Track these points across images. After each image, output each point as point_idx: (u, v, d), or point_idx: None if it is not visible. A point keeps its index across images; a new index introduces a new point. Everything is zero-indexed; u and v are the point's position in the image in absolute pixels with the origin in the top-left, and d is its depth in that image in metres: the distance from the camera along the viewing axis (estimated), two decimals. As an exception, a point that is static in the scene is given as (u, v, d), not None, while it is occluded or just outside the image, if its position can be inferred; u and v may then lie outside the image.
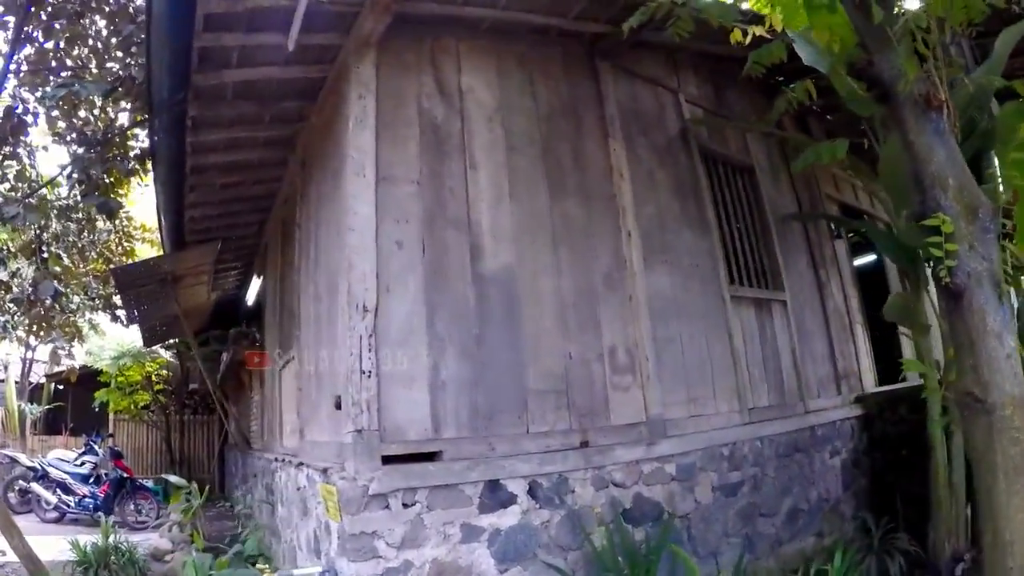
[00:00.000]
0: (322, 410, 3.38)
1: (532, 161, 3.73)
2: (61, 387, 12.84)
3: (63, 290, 4.35)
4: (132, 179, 4.68)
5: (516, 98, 3.78)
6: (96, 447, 8.80)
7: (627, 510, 3.45)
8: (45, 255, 4.79)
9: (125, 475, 8.09)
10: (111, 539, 5.04)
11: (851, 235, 6.04)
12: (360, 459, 2.73)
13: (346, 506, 2.67)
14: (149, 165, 4.63)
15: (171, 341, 9.83)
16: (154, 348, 10.15)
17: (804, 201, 5.60)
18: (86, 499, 8.04)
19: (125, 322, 7.71)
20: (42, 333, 5.62)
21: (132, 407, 10.82)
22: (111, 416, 11.35)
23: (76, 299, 7.21)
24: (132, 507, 7.99)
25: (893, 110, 3.26)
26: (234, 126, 4.19)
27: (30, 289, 4.57)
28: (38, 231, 4.81)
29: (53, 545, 5.50)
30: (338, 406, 2.93)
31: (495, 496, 3.01)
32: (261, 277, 7.32)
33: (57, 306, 4.56)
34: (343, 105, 3.24)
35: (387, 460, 2.78)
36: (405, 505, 2.76)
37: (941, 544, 4.18)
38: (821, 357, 5.13)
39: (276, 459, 4.54)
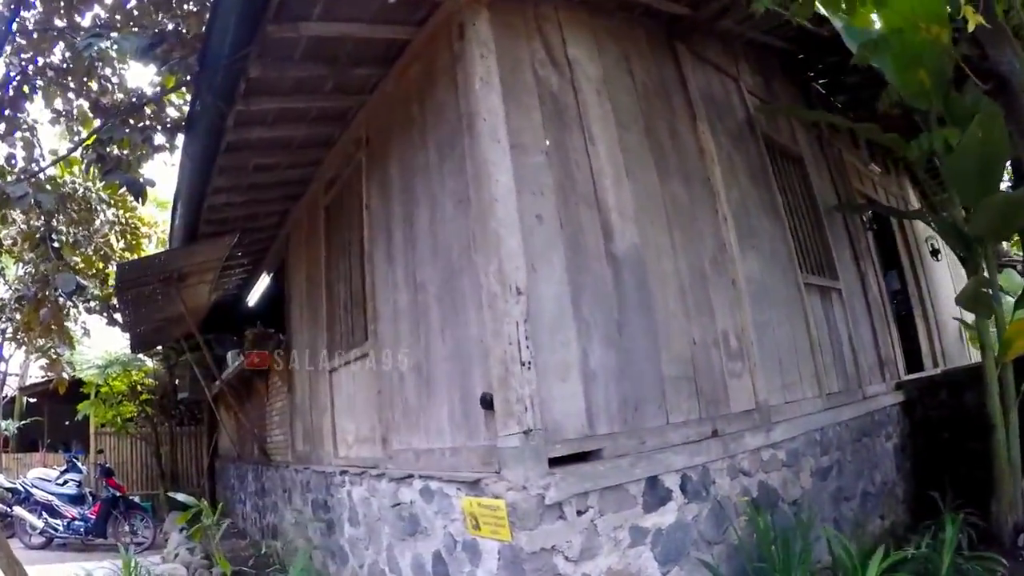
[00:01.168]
0: (435, 412, 2.84)
1: (639, 139, 3.40)
2: (34, 400, 11.10)
3: (85, 283, 3.52)
4: (158, 156, 3.87)
5: (615, 73, 3.44)
6: (79, 463, 7.63)
7: (754, 499, 3.18)
8: (56, 244, 3.88)
9: (118, 493, 7.01)
10: (133, 567, 4.19)
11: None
12: (528, 464, 2.25)
13: (521, 520, 2.20)
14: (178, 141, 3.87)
15: (157, 348, 8.66)
16: (138, 356, 8.92)
17: (841, 193, 5.60)
18: (76, 522, 6.95)
19: (123, 326, 6.64)
20: (42, 339, 4.60)
21: (117, 419, 9.42)
22: (92, 430, 9.89)
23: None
24: (127, 528, 6.94)
25: (1009, 101, 3.23)
26: (292, 94, 3.55)
27: (34, 287, 3.67)
28: (47, 216, 3.89)
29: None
30: (487, 405, 2.44)
31: (655, 494, 2.64)
32: (271, 275, 6.52)
33: (71, 303, 3.68)
34: (463, 64, 2.73)
35: (552, 463, 2.34)
36: (579, 512, 2.31)
37: (1004, 517, 4.19)
38: (868, 345, 5.10)
39: (337, 472, 3.89)
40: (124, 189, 3.47)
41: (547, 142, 2.82)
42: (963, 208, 4.44)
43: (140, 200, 3.46)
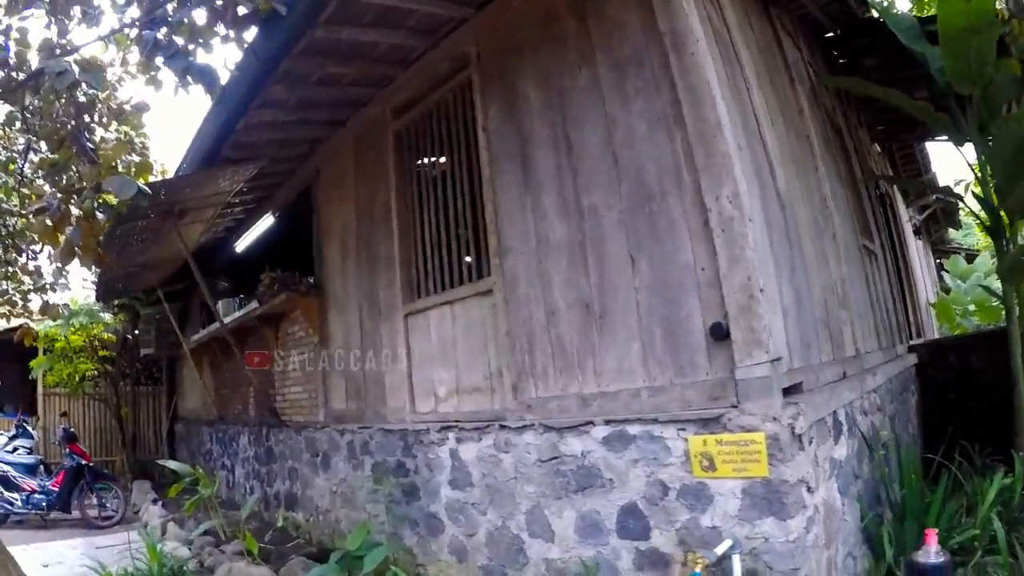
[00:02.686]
0: (614, 351, 2.52)
1: (767, 89, 3.28)
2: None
3: (142, 187, 2.68)
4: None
5: (743, 24, 3.28)
6: (29, 427, 6.28)
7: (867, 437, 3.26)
8: (90, 143, 2.95)
9: (83, 462, 5.91)
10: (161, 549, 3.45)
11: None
12: (774, 395, 2.09)
13: (779, 452, 2.02)
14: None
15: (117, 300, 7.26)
16: (101, 308, 7.46)
17: (858, 166, 5.91)
18: (35, 495, 5.81)
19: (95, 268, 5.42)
20: (60, 263, 3.51)
21: (73, 378, 7.85)
22: (40, 390, 8.11)
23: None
24: (94, 500, 5.89)
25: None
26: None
27: (56, 198, 2.75)
28: (84, 107, 2.94)
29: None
30: (721, 335, 2.20)
31: (836, 427, 2.61)
32: (277, 214, 5.67)
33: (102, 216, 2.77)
34: None
35: (784, 393, 2.18)
36: (809, 442, 2.18)
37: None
38: (893, 307, 5.48)
39: (428, 429, 3.39)
40: (180, 82, 2.67)
41: (728, 76, 2.59)
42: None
43: (212, 94, 2.72)
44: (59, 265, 4.41)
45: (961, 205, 9.79)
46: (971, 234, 11.78)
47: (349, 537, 3.60)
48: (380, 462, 3.78)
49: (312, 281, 4.75)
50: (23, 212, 4.65)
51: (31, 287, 4.81)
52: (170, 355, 8.24)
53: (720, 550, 1.99)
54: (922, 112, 4.90)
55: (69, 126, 2.86)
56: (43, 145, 4.46)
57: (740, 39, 2.96)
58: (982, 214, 4.91)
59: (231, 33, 3.04)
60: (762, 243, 2.34)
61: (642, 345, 2.43)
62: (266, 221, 5.78)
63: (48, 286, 4.45)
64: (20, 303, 4.76)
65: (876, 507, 2.95)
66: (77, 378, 7.76)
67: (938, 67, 4.72)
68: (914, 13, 7.04)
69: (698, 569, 1.94)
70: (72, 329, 7.27)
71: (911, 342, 5.93)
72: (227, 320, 5.35)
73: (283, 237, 6.09)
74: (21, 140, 4.19)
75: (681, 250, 2.34)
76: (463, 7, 3.25)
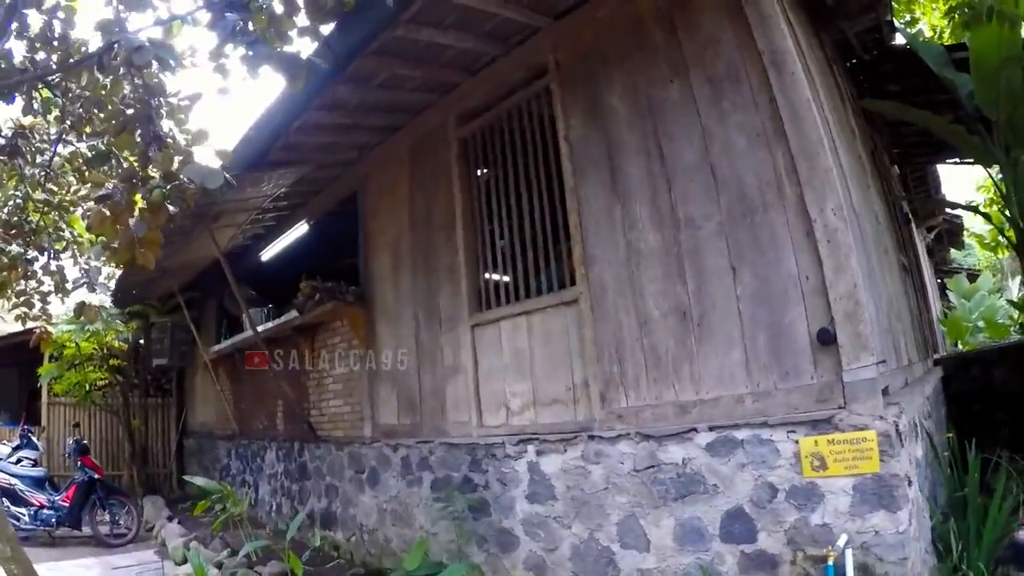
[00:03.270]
0: (713, 359, 2.65)
1: (834, 108, 3.52)
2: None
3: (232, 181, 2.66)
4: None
5: (809, 44, 3.51)
6: (33, 438, 6.10)
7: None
8: (161, 132, 2.87)
9: (95, 476, 5.80)
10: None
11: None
12: (879, 395, 2.26)
13: (891, 450, 2.17)
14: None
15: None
16: (115, 314, 7.32)
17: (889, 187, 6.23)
18: (44, 511, 5.64)
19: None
20: (116, 263, 3.38)
21: (83, 387, 7.67)
22: (45, 399, 7.83)
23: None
24: (106, 517, 5.78)
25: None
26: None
27: (120, 186, 2.70)
28: (155, 88, 2.92)
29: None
30: (828, 340, 2.36)
31: (914, 429, 2.81)
32: (312, 223, 5.73)
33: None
34: (758, 4, 2.64)
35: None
36: (906, 440, 2.34)
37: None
38: (920, 322, 5.75)
39: (503, 442, 3.45)
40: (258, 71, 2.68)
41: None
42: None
43: (295, 86, 2.67)
44: (101, 262, 4.37)
45: (967, 226, 10.27)
46: (971, 254, 12.35)
47: (406, 556, 3.61)
48: (442, 478, 3.81)
49: (351, 290, 4.79)
50: (46, 208, 4.60)
51: (51, 288, 4.74)
52: (182, 366, 8.13)
53: (841, 542, 2.11)
54: (955, 135, 5.23)
55: (133, 110, 2.83)
56: (74, 137, 4.41)
57: (811, 60, 3.18)
58: (1009, 232, 5.24)
59: (309, 24, 3.10)
60: (858, 253, 2.51)
61: (744, 352, 2.57)
62: (298, 229, 5.82)
63: (79, 283, 4.37)
64: (39, 304, 4.68)
65: (935, 507, 3.11)
66: (87, 387, 7.59)
67: (967, 92, 5.09)
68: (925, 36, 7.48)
69: (830, 562, 2.05)
70: (85, 336, 7.13)
71: (934, 356, 6.21)
72: (260, 329, 5.33)
73: (315, 246, 6.13)
74: (53, 130, 4.14)
75: (784, 260, 2.50)
76: (541, 16, 3.41)
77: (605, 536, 2.89)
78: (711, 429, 2.57)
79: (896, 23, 5.51)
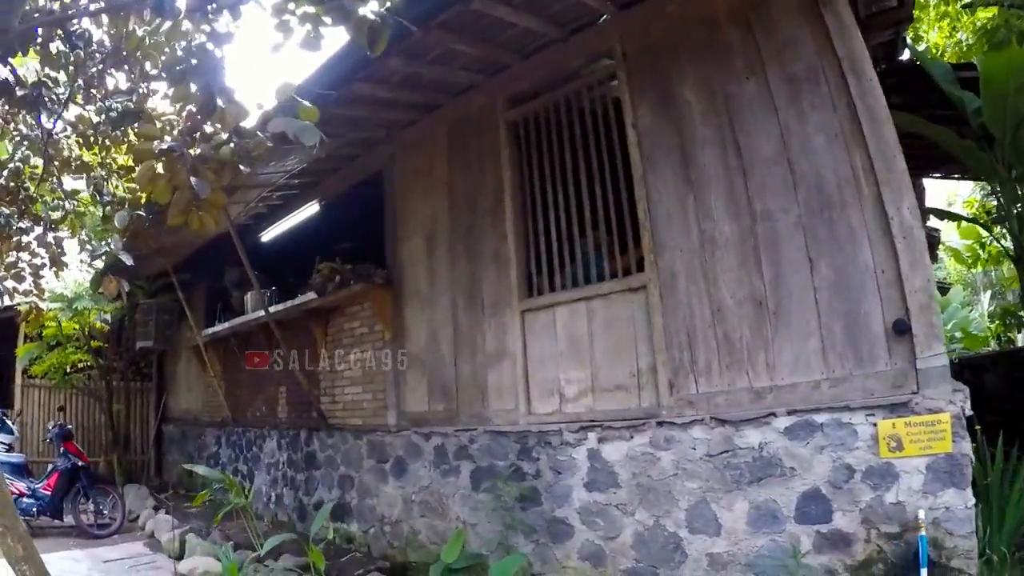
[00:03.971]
0: (788, 346, 2.87)
1: None
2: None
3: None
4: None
5: None
6: (8, 422, 5.77)
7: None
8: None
9: (80, 463, 5.61)
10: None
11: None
12: (948, 383, 2.55)
13: (962, 431, 2.46)
14: None
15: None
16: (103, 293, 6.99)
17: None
18: (24, 499, 5.42)
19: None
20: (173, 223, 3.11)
21: (62, 369, 7.32)
22: (18, 381, 7.31)
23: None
24: (90, 507, 5.61)
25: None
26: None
27: (183, 139, 2.56)
28: (226, 35, 2.80)
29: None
30: (902, 330, 2.61)
31: None
32: (324, 202, 5.67)
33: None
34: (835, 10, 2.91)
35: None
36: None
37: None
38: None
39: (561, 429, 3.56)
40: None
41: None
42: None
43: (375, 50, 2.54)
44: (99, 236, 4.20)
45: (944, 239, 11.12)
46: (941, 268, 13.37)
47: (444, 548, 3.66)
48: (485, 467, 3.90)
49: (384, 273, 4.80)
50: (46, 176, 4.39)
51: (45, 261, 4.53)
52: (164, 349, 7.86)
53: (922, 516, 2.36)
54: (965, 151, 5.74)
55: (193, 61, 2.72)
56: (82, 98, 4.22)
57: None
58: (1008, 245, 5.79)
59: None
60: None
61: (821, 340, 2.80)
62: (308, 210, 5.75)
63: (92, 255, 4.20)
64: (30, 279, 4.47)
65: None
66: (67, 368, 7.25)
67: (973, 109, 5.61)
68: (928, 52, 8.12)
69: (922, 532, 2.29)
70: (72, 314, 6.79)
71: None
72: (272, 311, 5.25)
73: (318, 228, 6.07)
74: (60, 90, 3.94)
75: (861, 254, 2.75)
76: (607, 3, 3.56)
77: (672, 522, 3.06)
78: (790, 413, 2.78)
79: (907, 39, 5.99)
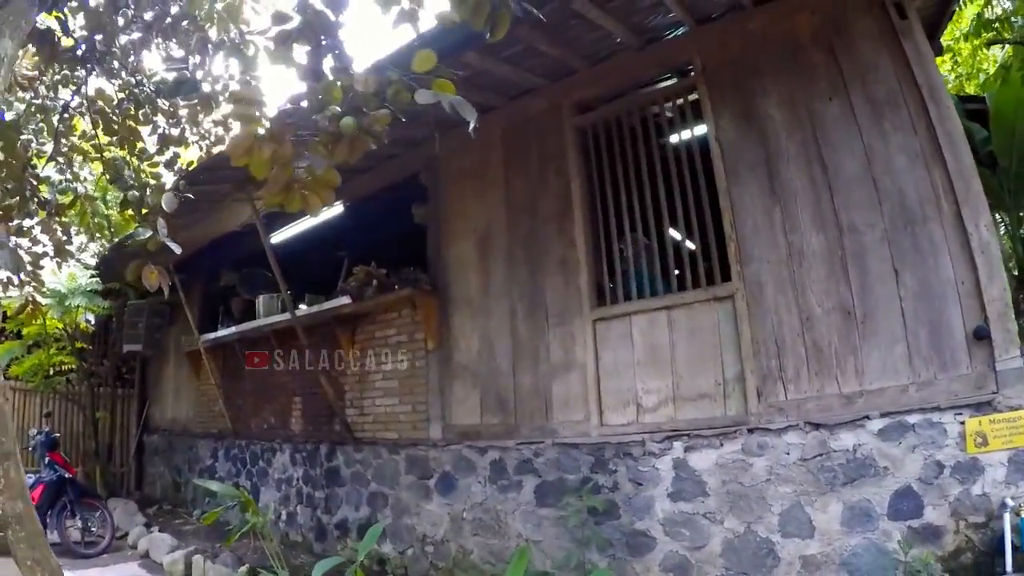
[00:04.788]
0: (875, 352, 3.43)
1: None
2: None
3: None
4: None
5: None
6: None
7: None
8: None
9: (67, 475, 5.68)
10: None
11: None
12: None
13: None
14: None
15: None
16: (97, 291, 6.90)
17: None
18: None
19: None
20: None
21: (42, 370, 7.25)
22: None
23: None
24: (78, 523, 5.70)
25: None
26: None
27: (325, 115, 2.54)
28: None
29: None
30: (981, 336, 3.23)
31: None
32: (348, 204, 5.96)
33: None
34: (914, 42, 3.58)
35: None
36: None
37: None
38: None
39: (643, 439, 3.98)
40: None
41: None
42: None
43: (496, 35, 2.69)
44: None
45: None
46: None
47: (509, 568, 3.99)
48: (553, 481, 4.29)
49: (420, 277, 5.14)
50: (60, 160, 4.50)
51: (47, 250, 4.60)
52: (152, 353, 7.85)
53: (1011, 502, 2.96)
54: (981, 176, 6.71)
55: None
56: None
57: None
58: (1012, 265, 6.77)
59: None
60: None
61: (907, 346, 3.40)
62: (330, 211, 6.03)
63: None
64: (28, 268, 4.53)
65: None
66: (48, 371, 7.11)
67: (981, 138, 6.62)
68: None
69: (1022, 515, 2.88)
70: (63, 311, 6.68)
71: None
72: (298, 315, 5.48)
73: (346, 230, 6.34)
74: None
75: (942, 266, 3.37)
76: (687, 15, 4.12)
77: (764, 527, 3.55)
78: (883, 415, 3.35)
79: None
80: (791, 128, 3.84)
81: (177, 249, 3.99)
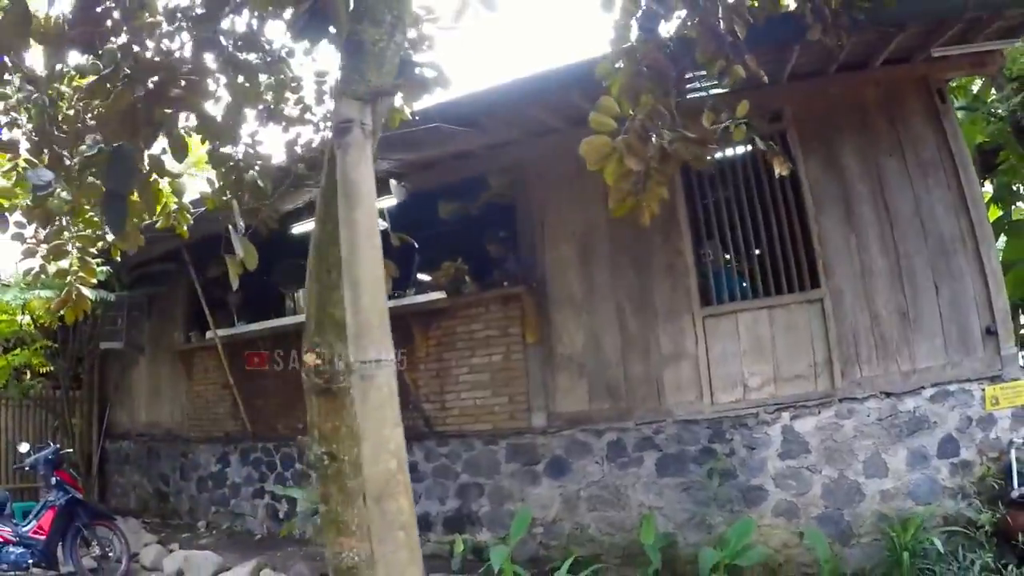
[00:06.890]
0: (922, 343, 5.38)
1: None
2: None
3: None
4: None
5: None
6: None
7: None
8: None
9: (77, 495, 5.49)
10: None
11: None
12: (1020, 363, 5.20)
13: (1032, 396, 5.14)
14: None
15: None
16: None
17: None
18: (10, 548, 5.07)
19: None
20: None
21: (6, 372, 6.49)
22: None
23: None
24: (97, 550, 5.48)
25: None
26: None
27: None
28: None
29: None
30: (991, 333, 5.19)
31: None
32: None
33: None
34: (948, 121, 5.61)
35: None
36: None
37: None
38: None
39: (752, 412, 5.37)
40: None
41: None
42: None
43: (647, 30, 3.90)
44: None
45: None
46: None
47: (642, 531, 5.21)
48: (674, 453, 5.55)
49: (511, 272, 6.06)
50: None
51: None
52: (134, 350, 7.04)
53: (1018, 440, 4.89)
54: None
55: None
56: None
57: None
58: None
59: None
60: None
61: (943, 338, 5.41)
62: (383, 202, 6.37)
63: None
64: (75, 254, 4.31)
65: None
66: (10, 374, 5.98)
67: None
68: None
69: (1012, 454, 4.79)
70: (44, 303, 5.67)
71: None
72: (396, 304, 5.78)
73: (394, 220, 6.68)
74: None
75: (966, 285, 5.48)
76: (781, 73, 5.57)
77: (852, 472, 5.28)
78: (933, 386, 5.18)
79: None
80: (862, 174, 5.64)
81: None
